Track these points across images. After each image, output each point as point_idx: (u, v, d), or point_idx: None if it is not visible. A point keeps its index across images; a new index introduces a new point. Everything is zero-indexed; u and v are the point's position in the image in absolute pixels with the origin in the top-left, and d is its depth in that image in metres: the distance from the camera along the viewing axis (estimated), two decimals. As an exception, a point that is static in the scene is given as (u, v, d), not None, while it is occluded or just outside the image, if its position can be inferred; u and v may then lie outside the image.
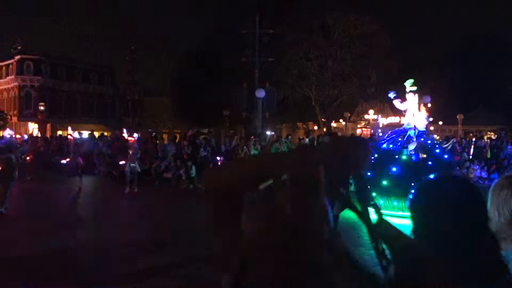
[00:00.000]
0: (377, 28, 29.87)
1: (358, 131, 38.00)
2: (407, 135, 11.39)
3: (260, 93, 23.08)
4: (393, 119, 39.85)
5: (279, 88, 29.13)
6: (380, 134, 14.50)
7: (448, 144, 17.69)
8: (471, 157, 17.64)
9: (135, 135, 14.71)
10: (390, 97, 12.10)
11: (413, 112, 11.59)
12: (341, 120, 38.69)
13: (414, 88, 11.81)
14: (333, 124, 37.75)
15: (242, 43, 29.22)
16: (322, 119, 34.64)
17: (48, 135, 35.02)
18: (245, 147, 17.46)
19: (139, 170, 14.41)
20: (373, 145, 15.90)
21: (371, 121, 39.37)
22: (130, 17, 67.35)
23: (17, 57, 51.22)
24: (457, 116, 27.88)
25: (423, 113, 11.78)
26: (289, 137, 19.55)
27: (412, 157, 11.04)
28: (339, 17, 29.95)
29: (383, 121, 39.92)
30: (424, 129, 11.68)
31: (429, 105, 25.53)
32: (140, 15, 65.81)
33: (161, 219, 10.45)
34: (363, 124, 41.13)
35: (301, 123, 39.86)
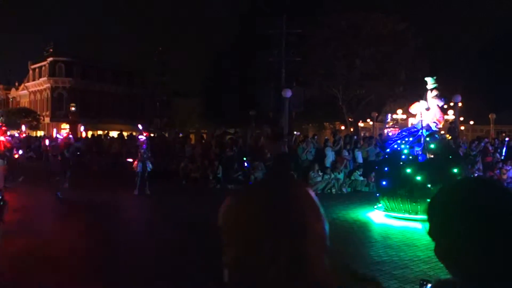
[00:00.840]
0: (406, 26, 29.38)
1: (386, 131, 37.42)
2: (418, 134, 11.17)
3: (287, 93, 23.02)
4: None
5: (305, 87, 28.98)
6: (390, 134, 14.19)
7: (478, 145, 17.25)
8: (503, 157, 17.17)
9: (144, 134, 14.66)
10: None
11: (422, 111, 11.33)
12: (368, 120, 38.21)
13: (435, 85, 11.54)
14: (361, 124, 37.33)
15: (269, 43, 29.23)
16: (349, 119, 34.29)
17: (79, 135, 35.81)
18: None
19: (149, 169, 14.12)
20: (381, 145, 15.72)
21: (399, 121, 38.81)
22: (157, 18, 68.25)
23: (49, 59, 52.63)
24: (489, 116, 27.17)
25: (435, 112, 11.44)
26: (315, 137, 19.44)
27: (419, 158, 10.88)
28: (367, 16, 29.59)
29: (412, 120, 39.26)
30: (436, 129, 11.37)
31: (460, 104, 24.98)
32: (167, 16, 66.69)
33: (187, 219, 10.54)
34: (391, 124, 40.50)
35: (328, 123, 39.56)
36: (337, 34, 29.56)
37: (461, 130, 30.25)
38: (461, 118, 31.10)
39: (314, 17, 28.92)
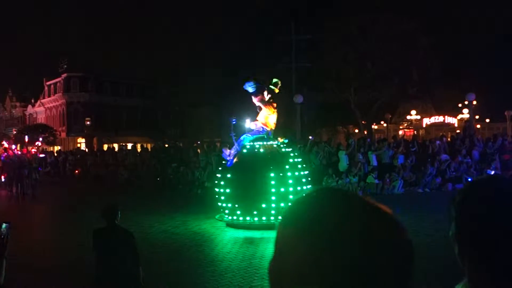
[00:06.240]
0: (416, 26, 29.15)
1: (400, 132, 37.13)
2: (240, 137, 10.81)
3: (298, 99, 23.04)
4: (437, 119, 38.77)
5: (317, 92, 28.95)
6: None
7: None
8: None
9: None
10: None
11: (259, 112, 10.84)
12: (382, 122, 37.99)
13: (275, 88, 11.17)
14: (374, 127, 37.12)
15: (278, 50, 29.31)
16: (363, 122, 34.10)
17: (95, 149, 36.26)
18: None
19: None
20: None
21: (413, 122, 38.47)
22: (168, 31, 68.94)
23: (63, 75, 53.47)
24: (505, 113, 26.83)
25: (265, 113, 10.76)
26: (333, 140, 19.31)
27: (228, 162, 10.61)
28: (376, 18, 29.45)
29: (426, 121, 38.91)
30: (263, 130, 10.68)
31: (474, 102, 24.64)
32: (178, 26, 67.44)
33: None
34: (405, 125, 40.16)
35: (341, 127, 39.43)
36: (346, 37, 29.48)
37: (477, 128, 29.86)
38: (477, 117, 30.72)
39: (323, 21, 28.92)
